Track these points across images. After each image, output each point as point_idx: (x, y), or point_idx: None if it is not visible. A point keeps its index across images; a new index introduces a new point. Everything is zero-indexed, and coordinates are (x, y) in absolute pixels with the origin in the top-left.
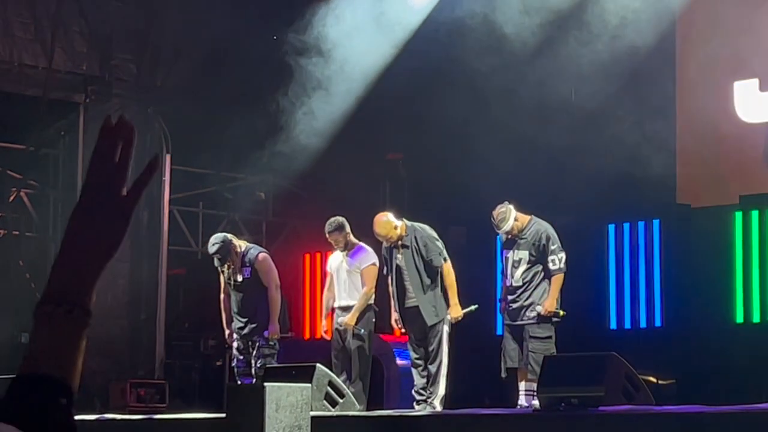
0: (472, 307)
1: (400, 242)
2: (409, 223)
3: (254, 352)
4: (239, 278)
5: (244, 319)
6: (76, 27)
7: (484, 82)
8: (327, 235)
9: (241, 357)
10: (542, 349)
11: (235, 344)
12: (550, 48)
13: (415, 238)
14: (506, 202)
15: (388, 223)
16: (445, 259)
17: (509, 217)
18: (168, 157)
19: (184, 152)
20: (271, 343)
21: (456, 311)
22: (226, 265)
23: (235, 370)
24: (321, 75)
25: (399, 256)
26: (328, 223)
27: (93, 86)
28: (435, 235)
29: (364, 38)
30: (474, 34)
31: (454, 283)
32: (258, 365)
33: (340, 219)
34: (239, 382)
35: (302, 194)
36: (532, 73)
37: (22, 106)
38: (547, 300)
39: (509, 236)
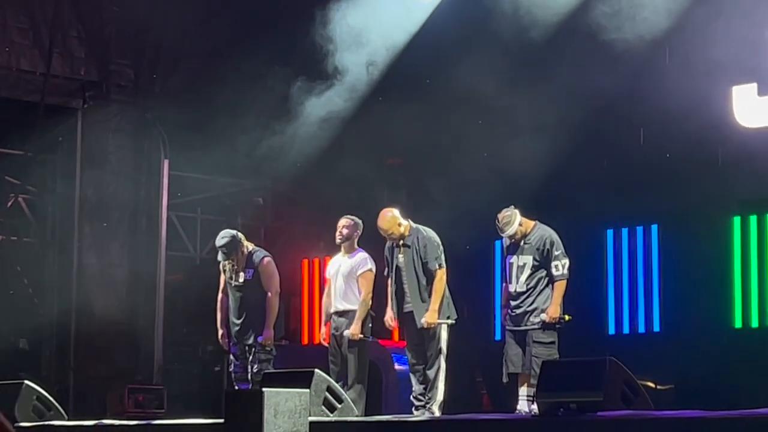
0: (449, 320)
1: (402, 241)
2: (414, 224)
3: (251, 357)
4: (241, 279)
5: (239, 321)
6: (74, 32)
7: (485, 88)
8: (340, 222)
9: (238, 362)
10: (546, 354)
11: (232, 349)
12: (550, 56)
13: (417, 239)
14: (512, 206)
15: (393, 219)
16: (440, 265)
17: (514, 221)
18: (166, 163)
19: (182, 158)
20: (268, 348)
21: (432, 317)
22: (228, 262)
23: (233, 375)
24: (319, 81)
25: (400, 256)
26: (347, 216)
27: (91, 92)
28: (437, 240)
29: (361, 44)
30: (473, 42)
31: (441, 291)
32: (254, 370)
33: (359, 220)
34: (236, 387)
35: (300, 200)
36: (531, 81)
37: (20, 111)
38: (551, 307)
39: (512, 240)
